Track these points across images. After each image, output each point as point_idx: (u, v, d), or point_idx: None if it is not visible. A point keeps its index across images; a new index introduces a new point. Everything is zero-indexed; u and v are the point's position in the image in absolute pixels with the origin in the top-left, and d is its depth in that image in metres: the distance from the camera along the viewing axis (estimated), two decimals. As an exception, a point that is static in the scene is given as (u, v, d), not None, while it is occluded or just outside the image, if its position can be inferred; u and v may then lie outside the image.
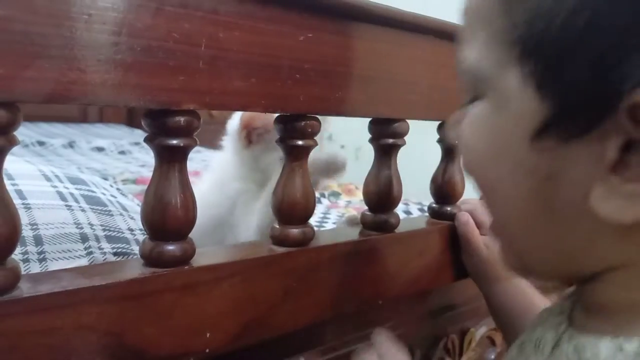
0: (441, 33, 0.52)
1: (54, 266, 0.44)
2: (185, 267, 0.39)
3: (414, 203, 1.36)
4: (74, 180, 0.59)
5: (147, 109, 0.36)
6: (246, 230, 0.64)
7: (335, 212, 1.25)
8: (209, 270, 0.40)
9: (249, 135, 0.66)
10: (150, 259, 0.38)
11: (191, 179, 0.39)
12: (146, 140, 0.37)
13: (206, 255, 0.42)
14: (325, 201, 1.37)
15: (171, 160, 0.38)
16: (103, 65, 0.32)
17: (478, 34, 0.31)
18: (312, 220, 1.06)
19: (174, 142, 0.37)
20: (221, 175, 0.69)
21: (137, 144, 2.18)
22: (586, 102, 0.26)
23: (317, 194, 1.33)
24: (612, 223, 0.26)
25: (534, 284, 0.80)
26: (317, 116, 0.45)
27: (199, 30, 0.35)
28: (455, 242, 0.62)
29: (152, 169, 0.38)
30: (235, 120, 0.69)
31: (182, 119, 0.36)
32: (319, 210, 1.24)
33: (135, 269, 0.38)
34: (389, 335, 0.42)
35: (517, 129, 0.29)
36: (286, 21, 0.40)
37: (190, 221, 0.39)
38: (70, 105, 2.47)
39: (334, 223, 1.12)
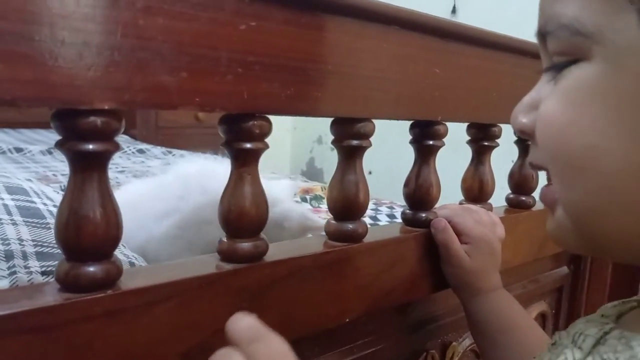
0: (408, 23, 0.47)
1: (-32, 290, 0.39)
2: (108, 292, 0.34)
3: (399, 206, 1.31)
4: (13, 190, 0.54)
5: (56, 109, 0.31)
6: None
7: (318, 217, 1.20)
8: (137, 293, 0.35)
9: None
10: (66, 283, 0.33)
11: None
12: (57, 145, 0.32)
13: (136, 276, 0.37)
14: (307, 206, 1.32)
15: (87, 168, 0.32)
16: (-11, 57, 0.27)
17: None
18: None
19: (89, 147, 0.32)
20: None
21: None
22: None
23: (298, 198, 1.27)
24: None
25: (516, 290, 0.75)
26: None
27: (112, 16, 0.30)
28: (432, 250, 0.57)
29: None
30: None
31: (97, 120, 0.31)
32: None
33: (46, 296, 0.32)
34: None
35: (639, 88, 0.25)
36: (223, 7, 0.35)
37: (113, 238, 0.34)
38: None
39: (313, 229, 1.07)
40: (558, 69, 0.29)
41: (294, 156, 3.16)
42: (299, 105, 0.42)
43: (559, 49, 0.29)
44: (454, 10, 2.49)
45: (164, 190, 0.65)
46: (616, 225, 0.28)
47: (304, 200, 1.34)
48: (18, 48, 0.27)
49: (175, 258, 0.60)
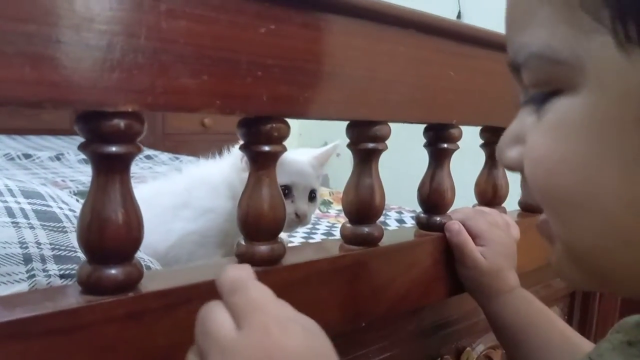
0: (423, 26, 0.47)
1: (-12, 293, 0.39)
2: (130, 294, 0.34)
3: (408, 211, 1.31)
4: (29, 194, 0.55)
5: (80, 111, 0.31)
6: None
7: (326, 222, 1.20)
8: (158, 296, 0.35)
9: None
10: (88, 285, 0.33)
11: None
12: (81, 147, 0.32)
13: (157, 278, 0.37)
14: (315, 211, 1.31)
15: (110, 170, 0.33)
16: (16, 60, 0.27)
17: (538, 11, 0.26)
18: (300, 231, 1.02)
19: (112, 149, 0.32)
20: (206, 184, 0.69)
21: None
22: None
23: None
24: None
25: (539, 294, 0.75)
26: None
27: (136, 19, 0.30)
28: (448, 254, 0.57)
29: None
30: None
31: (121, 122, 0.31)
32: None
33: (69, 298, 0.32)
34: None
35: (626, 113, 0.23)
36: (243, 11, 0.35)
37: (135, 240, 0.34)
38: (61, 117, 2.45)
39: (323, 234, 1.07)
40: (538, 101, 0.27)
41: (299, 162, 3.16)
42: (316, 108, 0.42)
43: (535, 80, 0.27)
44: (459, 16, 2.50)
45: (175, 185, 0.71)
46: (621, 263, 0.26)
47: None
48: (45, 51, 0.28)
49: (193, 253, 0.63)
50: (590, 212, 0.26)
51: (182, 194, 0.69)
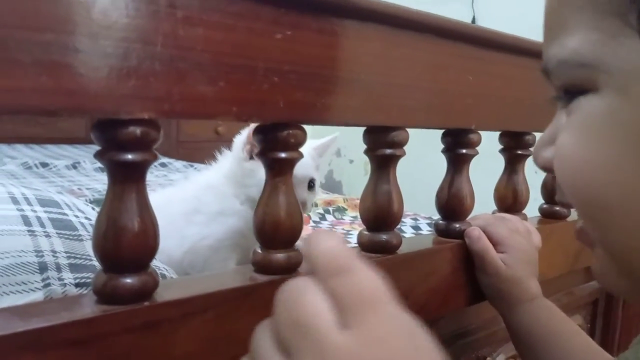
0: (442, 31, 0.47)
1: (4, 301, 0.39)
2: (146, 303, 0.33)
3: (423, 218, 1.30)
4: (45, 203, 0.55)
5: (96, 120, 0.31)
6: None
7: (340, 230, 1.19)
8: (174, 305, 0.34)
9: (253, 149, 0.68)
10: (103, 294, 0.33)
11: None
12: (97, 155, 0.32)
13: (173, 287, 0.36)
14: (330, 217, 1.31)
15: (126, 178, 0.32)
16: (33, 68, 0.27)
17: (571, 19, 0.26)
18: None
19: (129, 157, 0.31)
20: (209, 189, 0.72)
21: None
22: None
23: (321, 210, 1.29)
24: None
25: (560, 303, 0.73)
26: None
27: (153, 26, 0.30)
28: (467, 262, 0.55)
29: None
30: (243, 134, 0.72)
31: (137, 130, 0.31)
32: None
33: (84, 308, 0.32)
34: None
35: None
36: (260, 17, 0.35)
37: (151, 248, 0.34)
38: (77, 126, 2.49)
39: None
40: (566, 99, 0.28)
41: (313, 169, 3.15)
42: (333, 114, 0.41)
43: (562, 84, 0.28)
44: (473, 21, 2.49)
45: (184, 192, 0.73)
46: None
47: (326, 212, 1.33)
48: (62, 59, 0.27)
49: (208, 259, 0.65)
50: (621, 212, 0.26)
51: (192, 201, 0.71)
